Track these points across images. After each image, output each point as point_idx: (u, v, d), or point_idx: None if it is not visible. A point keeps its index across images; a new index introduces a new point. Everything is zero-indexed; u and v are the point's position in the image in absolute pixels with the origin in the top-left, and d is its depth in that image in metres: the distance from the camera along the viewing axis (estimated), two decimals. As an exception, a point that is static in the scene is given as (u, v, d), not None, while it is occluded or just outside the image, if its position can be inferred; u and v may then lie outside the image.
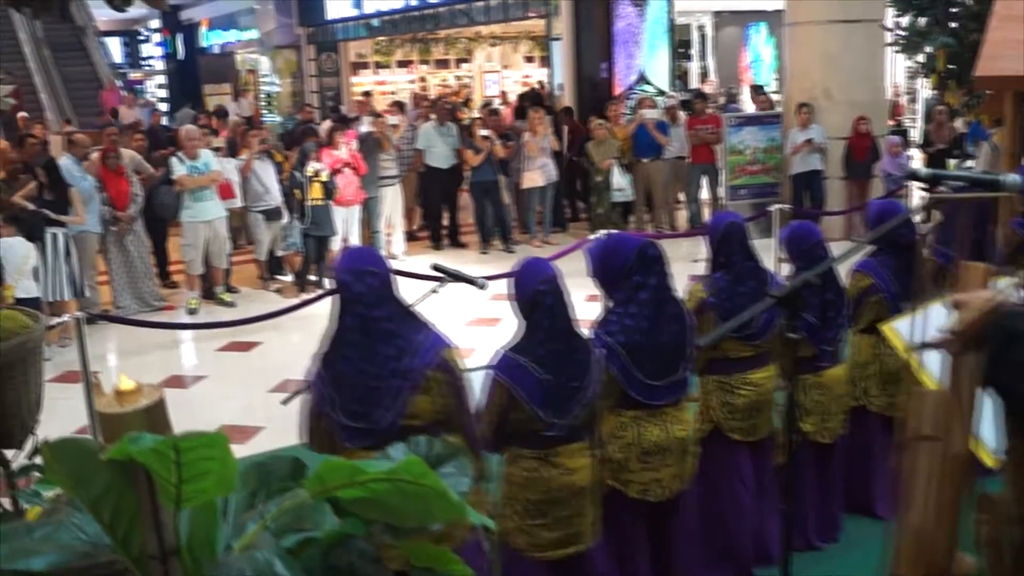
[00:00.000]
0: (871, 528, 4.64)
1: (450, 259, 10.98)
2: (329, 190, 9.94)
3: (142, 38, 33.68)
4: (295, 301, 7.99)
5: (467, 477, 1.89)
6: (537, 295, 3.29)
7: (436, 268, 4.02)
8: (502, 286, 8.17)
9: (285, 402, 3.80)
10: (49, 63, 20.66)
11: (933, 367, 2.39)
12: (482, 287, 4.09)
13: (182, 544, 1.65)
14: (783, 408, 4.33)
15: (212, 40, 28.83)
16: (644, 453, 3.61)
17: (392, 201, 11.46)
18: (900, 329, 2.70)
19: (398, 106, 13.64)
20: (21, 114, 16.29)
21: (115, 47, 32.05)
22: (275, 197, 9.99)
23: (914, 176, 4.07)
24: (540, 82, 18.57)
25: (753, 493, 4.23)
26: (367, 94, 20.91)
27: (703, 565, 4.08)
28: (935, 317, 2.37)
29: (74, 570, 1.69)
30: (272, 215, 10.03)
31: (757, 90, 15.49)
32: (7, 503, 3.26)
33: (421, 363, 3.07)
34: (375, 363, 3.04)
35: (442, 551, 2.01)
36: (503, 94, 20.22)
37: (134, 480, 1.55)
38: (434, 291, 3.82)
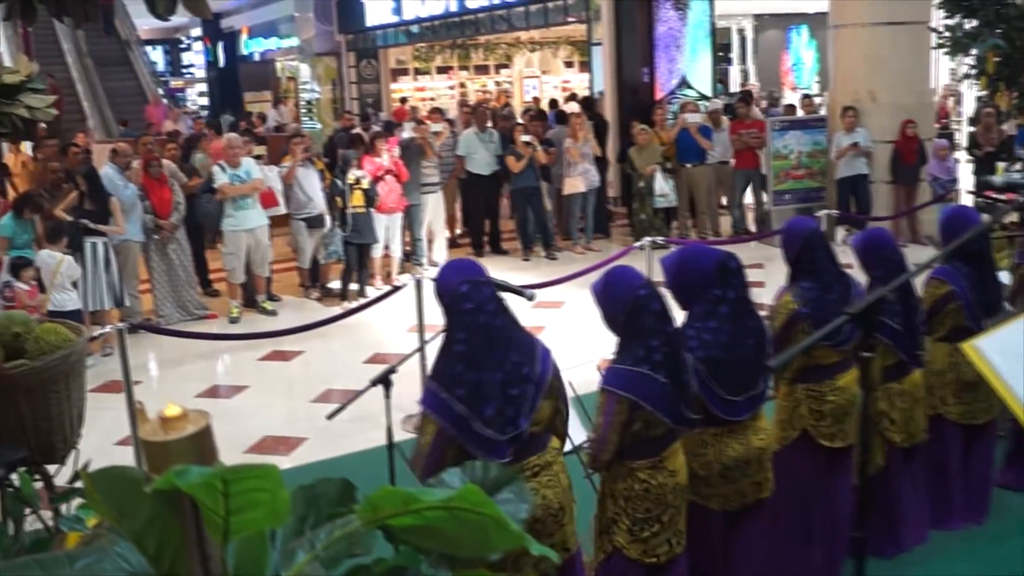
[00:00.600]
0: (949, 538, 4.64)
1: (492, 266, 10.82)
2: (371, 197, 9.90)
3: (184, 46, 34.02)
4: (338, 310, 7.95)
5: (526, 504, 1.81)
6: (640, 300, 3.23)
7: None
8: (545, 294, 8.13)
9: (331, 416, 3.73)
10: (93, 76, 20.77)
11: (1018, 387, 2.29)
12: (531, 298, 4.01)
13: (229, 575, 1.58)
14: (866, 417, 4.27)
15: (252, 48, 29.04)
16: (725, 468, 3.57)
17: (434, 208, 11.40)
18: (983, 348, 2.58)
19: (439, 113, 13.59)
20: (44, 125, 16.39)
21: (157, 55, 32.37)
22: (318, 205, 9.95)
23: (988, 185, 3.96)
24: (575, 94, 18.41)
25: (841, 498, 4.17)
26: (403, 100, 20.95)
27: (786, 569, 4.04)
28: (1017, 334, 2.27)
29: (117, 603, 1.62)
30: (315, 223, 9.99)
31: (806, 97, 15.27)
32: (48, 517, 3.22)
33: (545, 368, 3.14)
34: (506, 371, 3.05)
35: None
36: (535, 100, 20.07)
37: (179, 510, 1.49)
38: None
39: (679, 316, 3.52)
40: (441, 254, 11.40)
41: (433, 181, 11.33)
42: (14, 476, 3.19)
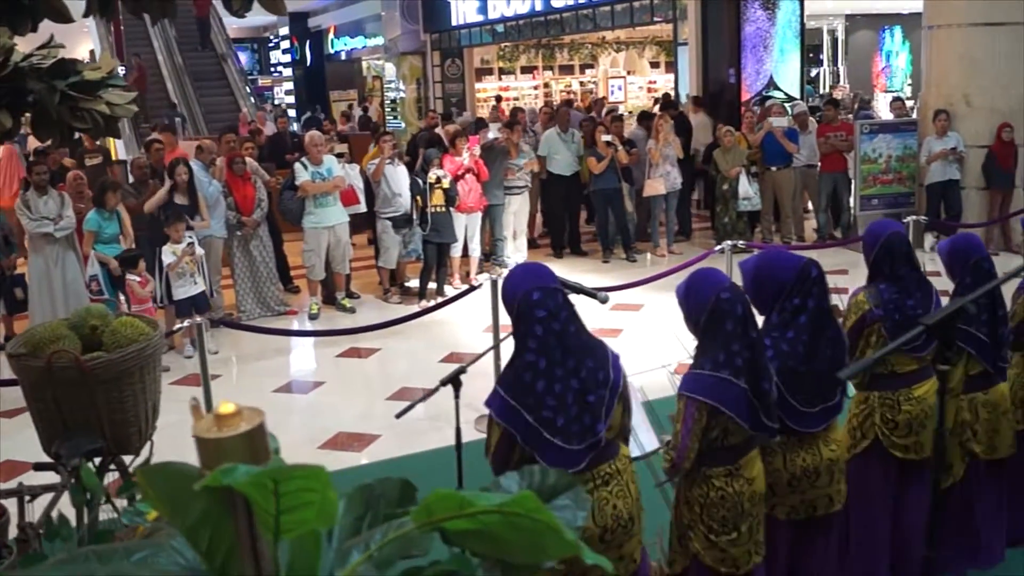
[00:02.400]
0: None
1: (571, 267, 10.89)
2: (451, 197, 9.92)
3: (271, 45, 34.57)
4: (416, 309, 7.97)
5: (583, 511, 1.77)
6: (722, 304, 3.16)
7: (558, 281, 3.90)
8: (623, 296, 8.06)
9: (400, 415, 3.73)
10: (190, 92, 21.02)
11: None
12: (603, 301, 3.95)
13: (282, 574, 1.58)
14: (948, 427, 4.14)
15: (339, 47, 29.39)
16: (792, 478, 3.48)
17: (519, 209, 11.39)
18: None
19: (520, 112, 13.55)
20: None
21: (244, 54, 32.95)
22: (405, 203, 9.92)
23: None
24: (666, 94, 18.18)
25: (915, 513, 4.04)
26: (499, 100, 20.96)
27: None
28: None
29: (171, 598, 1.63)
30: (401, 222, 9.99)
31: (896, 100, 14.92)
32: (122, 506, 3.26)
33: (618, 372, 3.10)
34: (582, 377, 3.01)
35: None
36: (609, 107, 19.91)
37: (232, 508, 1.48)
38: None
39: (759, 321, 3.44)
40: (521, 255, 11.38)
41: (521, 184, 11.29)
42: (89, 466, 3.25)
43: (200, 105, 20.85)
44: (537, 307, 3.00)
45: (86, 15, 3.03)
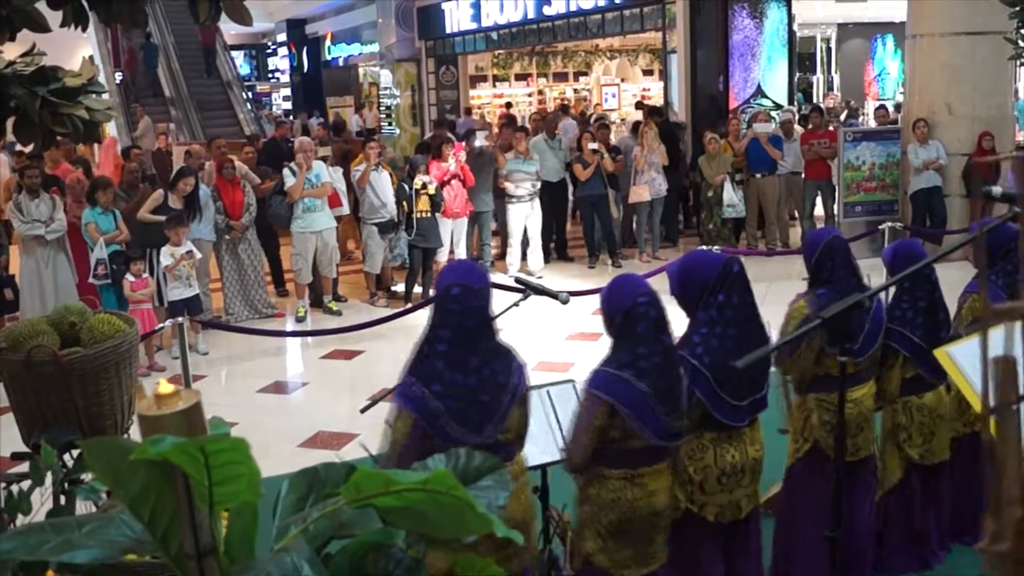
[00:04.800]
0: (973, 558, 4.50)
1: (558, 272, 11.02)
2: (436, 202, 10.06)
3: (269, 51, 34.69)
4: (397, 310, 8.09)
5: (505, 491, 1.90)
6: (638, 307, 3.27)
7: (518, 281, 4.04)
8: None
9: (363, 410, 3.86)
10: (195, 121, 20.98)
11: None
12: (564, 301, 4.08)
13: (219, 545, 1.70)
14: (883, 430, 4.26)
15: (336, 53, 29.51)
16: (722, 475, 3.57)
17: (530, 216, 11.39)
18: (954, 355, 2.62)
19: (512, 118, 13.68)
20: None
21: (242, 60, 33.08)
22: (391, 210, 10.07)
23: (988, 195, 3.93)
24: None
25: (859, 513, 4.14)
26: (508, 106, 21.09)
27: None
28: (995, 344, 2.29)
29: (117, 566, 1.75)
30: (387, 228, 10.13)
31: (881, 108, 15.06)
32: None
33: (520, 380, 3.19)
34: (482, 377, 3.11)
35: (486, 562, 2.02)
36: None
37: (172, 480, 1.60)
38: (516, 304, 3.84)
39: (683, 326, 3.56)
40: (537, 264, 11.52)
41: (522, 193, 11.28)
42: (67, 457, 3.38)
43: (204, 135, 20.94)
44: (453, 302, 3.13)
45: (63, 26, 3.17)
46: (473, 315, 3.14)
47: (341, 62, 29.41)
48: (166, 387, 1.64)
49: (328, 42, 29.81)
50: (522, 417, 3.24)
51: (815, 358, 3.96)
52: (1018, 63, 10.90)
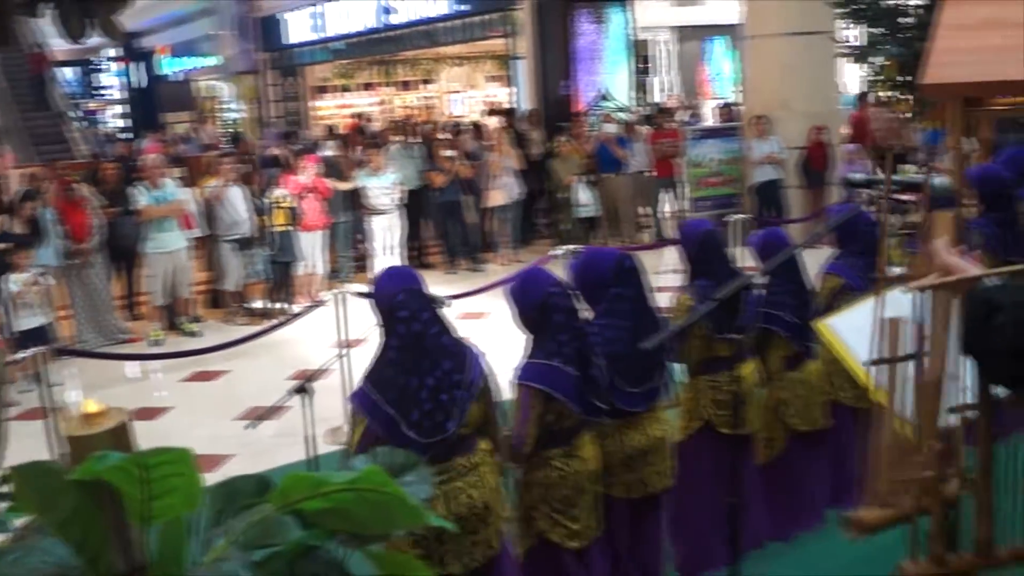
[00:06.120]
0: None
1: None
2: (293, 216, 9.95)
3: (96, 67, 33.39)
4: (260, 328, 7.97)
5: (428, 485, 1.95)
6: (551, 299, 3.44)
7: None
8: (468, 304, 8.24)
9: (249, 426, 3.83)
10: (31, 152, 20.04)
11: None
12: (447, 306, 4.14)
13: (150, 561, 1.69)
14: (767, 406, 4.50)
15: (172, 67, 28.72)
16: (627, 458, 3.75)
17: (391, 226, 11.36)
18: (834, 326, 2.85)
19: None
20: None
21: (71, 77, 31.84)
22: (246, 226, 9.92)
23: (850, 183, 4.30)
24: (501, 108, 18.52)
25: (746, 482, 4.35)
26: (359, 116, 20.92)
27: (688, 555, 4.28)
28: (863, 313, 2.50)
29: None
30: (244, 244, 9.96)
31: (725, 107, 15.61)
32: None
33: (476, 374, 3.27)
34: (438, 377, 3.17)
35: (407, 557, 2.06)
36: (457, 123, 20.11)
37: (101, 500, 1.59)
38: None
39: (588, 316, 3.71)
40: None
41: (384, 203, 11.20)
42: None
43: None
44: (400, 308, 3.19)
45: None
46: (419, 317, 3.20)
47: (179, 76, 28.65)
48: (93, 406, 1.63)
49: (163, 56, 29.00)
50: (481, 409, 3.32)
51: (704, 344, 4.19)
52: (845, 60, 11.50)
